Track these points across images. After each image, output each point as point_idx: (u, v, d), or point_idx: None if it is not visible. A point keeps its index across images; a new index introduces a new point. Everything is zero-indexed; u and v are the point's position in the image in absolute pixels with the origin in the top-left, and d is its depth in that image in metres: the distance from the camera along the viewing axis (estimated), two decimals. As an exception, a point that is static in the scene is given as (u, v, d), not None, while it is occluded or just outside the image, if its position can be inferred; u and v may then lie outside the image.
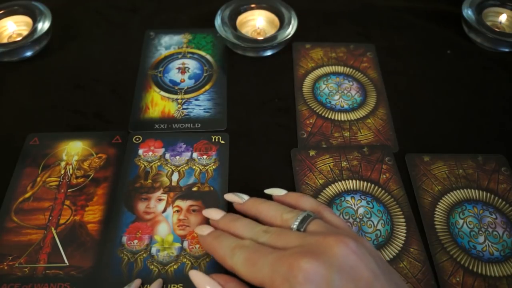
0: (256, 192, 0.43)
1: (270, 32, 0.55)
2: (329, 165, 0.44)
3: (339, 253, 0.26)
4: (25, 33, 0.53)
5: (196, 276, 0.32)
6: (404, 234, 0.40)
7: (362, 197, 0.42)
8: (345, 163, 0.44)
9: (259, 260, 0.28)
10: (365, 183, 0.43)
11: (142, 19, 0.59)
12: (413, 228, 0.40)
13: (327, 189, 0.42)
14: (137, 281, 0.36)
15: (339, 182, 0.43)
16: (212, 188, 0.42)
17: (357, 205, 0.41)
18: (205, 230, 0.35)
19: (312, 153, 0.45)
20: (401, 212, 0.41)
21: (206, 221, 0.40)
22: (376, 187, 0.43)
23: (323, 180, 0.43)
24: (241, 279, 0.31)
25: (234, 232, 0.33)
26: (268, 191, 0.37)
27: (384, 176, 0.43)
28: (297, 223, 0.31)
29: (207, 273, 0.37)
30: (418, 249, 0.39)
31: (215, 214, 0.36)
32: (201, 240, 0.35)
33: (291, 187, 0.43)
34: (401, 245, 0.39)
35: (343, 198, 0.42)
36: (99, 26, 0.58)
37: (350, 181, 0.43)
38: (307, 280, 0.24)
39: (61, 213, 0.41)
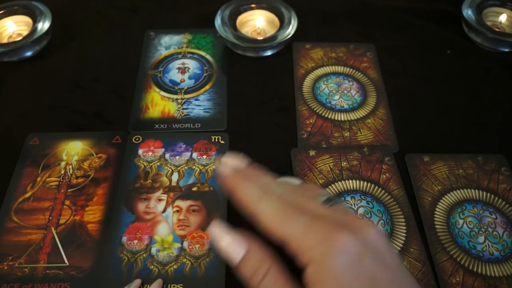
0: (256, 192, 0.43)
1: (270, 32, 0.55)
2: (329, 165, 0.44)
3: (373, 235, 0.26)
4: (25, 33, 0.53)
5: (217, 231, 0.28)
6: (404, 234, 0.40)
7: (362, 197, 0.42)
8: (345, 163, 0.44)
9: (292, 215, 0.26)
10: (365, 183, 0.43)
11: (142, 19, 0.59)
12: (413, 228, 0.40)
13: (327, 189, 0.42)
14: (137, 281, 0.36)
15: (339, 182, 0.43)
16: (212, 188, 0.42)
17: (357, 205, 0.41)
18: (229, 169, 0.31)
19: (312, 153, 0.45)
20: (401, 212, 0.41)
21: (206, 221, 0.40)
22: (376, 187, 0.43)
23: (323, 180, 0.43)
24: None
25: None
26: (282, 179, 0.35)
27: (384, 176, 0.43)
28: (324, 198, 0.29)
29: (207, 273, 0.37)
30: (418, 249, 0.39)
31: (239, 162, 0.31)
32: (225, 178, 0.31)
33: (291, 187, 0.43)
34: (401, 245, 0.39)
35: (343, 198, 0.42)
36: (99, 26, 0.58)
37: (350, 181, 0.43)
38: (343, 251, 0.24)
39: (61, 213, 0.41)
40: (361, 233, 0.25)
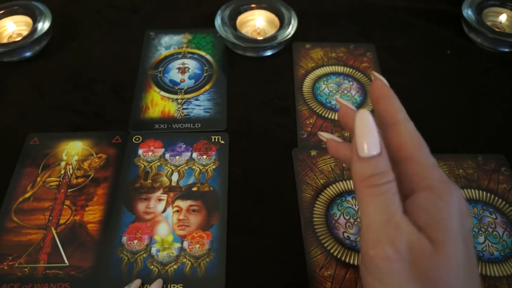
0: (256, 192, 0.43)
1: (270, 32, 0.55)
2: (330, 165, 0.44)
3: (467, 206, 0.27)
4: (25, 33, 0.53)
5: (368, 117, 0.26)
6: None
7: (362, 197, 0.42)
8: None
9: (424, 144, 0.28)
10: (365, 183, 0.43)
11: (142, 19, 0.59)
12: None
13: (328, 189, 0.42)
14: (137, 281, 0.36)
15: (340, 182, 0.43)
16: (212, 188, 0.42)
17: (358, 205, 0.41)
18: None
19: (313, 153, 0.45)
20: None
21: (206, 221, 0.40)
22: (376, 187, 0.42)
23: (324, 180, 0.43)
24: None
25: None
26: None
27: (384, 176, 0.43)
28: None
29: (207, 273, 0.37)
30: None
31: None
32: (382, 85, 0.32)
33: (291, 187, 0.43)
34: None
35: (344, 198, 0.42)
36: (99, 26, 0.58)
37: (351, 181, 0.43)
38: (460, 199, 0.25)
39: (61, 213, 0.41)
40: (467, 204, 0.26)
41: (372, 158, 0.25)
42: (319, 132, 0.34)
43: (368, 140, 0.25)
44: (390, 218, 0.24)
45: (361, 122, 0.26)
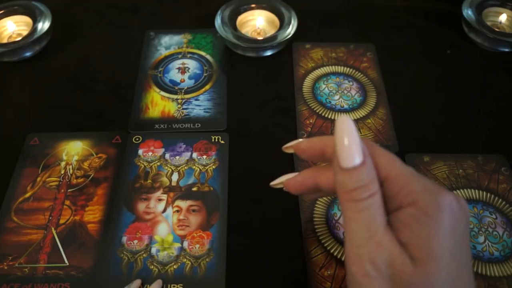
0: (256, 192, 0.43)
1: (270, 32, 0.55)
2: (329, 165, 0.44)
3: (466, 207, 0.26)
4: (25, 33, 0.53)
5: (348, 124, 0.25)
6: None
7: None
8: (345, 163, 0.44)
9: (399, 160, 0.26)
10: (365, 183, 0.43)
11: (142, 19, 0.59)
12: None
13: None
14: (137, 282, 0.36)
15: (339, 182, 0.43)
16: (212, 188, 0.42)
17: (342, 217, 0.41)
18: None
19: (312, 153, 0.45)
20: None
21: (206, 221, 0.40)
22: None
23: (323, 180, 0.43)
24: None
25: None
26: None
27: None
28: None
29: (207, 273, 0.37)
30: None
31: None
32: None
33: (291, 187, 0.43)
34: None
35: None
36: (99, 26, 0.58)
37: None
38: (450, 206, 0.24)
39: (61, 213, 0.41)
40: (462, 202, 0.25)
41: (355, 168, 0.24)
42: (271, 184, 0.33)
43: (350, 148, 0.24)
44: (372, 235, 0.24)
45: (341, 129, 0.25)
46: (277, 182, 0.32)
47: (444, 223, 0.23)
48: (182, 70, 0.53)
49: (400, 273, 0.23)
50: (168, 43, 0.55)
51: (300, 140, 0.30)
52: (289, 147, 0.31)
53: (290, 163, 0.44)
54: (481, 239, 0.39)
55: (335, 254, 0.38)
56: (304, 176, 0.30)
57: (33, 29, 0.52)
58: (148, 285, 0.36)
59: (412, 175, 0.25)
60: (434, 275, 0.23)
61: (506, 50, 0.55)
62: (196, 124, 0.47)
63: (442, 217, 0.23)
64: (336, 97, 0.50)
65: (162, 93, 0.50)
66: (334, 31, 0.58)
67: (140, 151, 0.45)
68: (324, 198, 0.42)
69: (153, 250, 0.39)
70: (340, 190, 0.25)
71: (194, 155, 0.45)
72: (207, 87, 0.51)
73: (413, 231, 0.24)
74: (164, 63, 0.53)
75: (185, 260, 0.38)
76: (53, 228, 0.40)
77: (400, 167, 0.26)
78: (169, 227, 0.40)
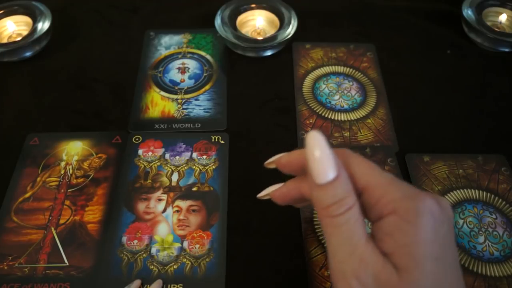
0: (256, 192, 0.43)
1: (270, 32, 0.55)
2: (329, 165, 0.44)
3: (448, 208, 0.26)
4: (25, 33, 0.53)
5: (319, 140, 0.24)
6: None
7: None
8: (345, 163, 0.44)
9: (377, 169, 0.26)
10: (365, 183, 0.43)
11: (142, 19, 0.59)
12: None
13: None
14: (137, 282, 0.36)
15: (339, 182, 0.43)
16: (212, 188, 0.42)
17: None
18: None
19: (312, 153, 0.45)
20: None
21: (206, 221, 0.40)
22: (376, 187, 0.42)
23: (323, 180, 0.43)
24: None
25: None
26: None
27: (384, 176, 0.43)
28: None
29: (207, 273, 0.37)
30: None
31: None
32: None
33: (291, 187, 0.43)
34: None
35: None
36: (99, 26, 0.58)
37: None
38: (431, 211, 0.24)
39: (61, 213, 0.41)
40: (441, 203, 0.25)
41: (329, 183, 0.24)
42: (258, 196, 0.33)
43: (322, 163, 0.24)
44: (353, 250, 0.24)
45: (311, 144, 0.24)
46: (263, 194, 0.32)
47: (426, 229, 0.23)
48: (182, 70, 0.53)
49: (386, 285, 0.23)
50: (168, 43, 0.55)
51: (281, 155, 0.30)
52: (271, 162, 0.31)
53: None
54: (481, 239, 0.39)
55: (335, 254, 0.38)
56: (288, 187, 0.30)
57: (33, 29, 0.52)
58: (148, 285, 0.36)
59: (391, 183, 0.25)
60: (420, 283, 0.23)
61: (506, 50, 0.55)
62: (196, 124, 0.47)
63: (423, 223, 0.23)
64: (336, 97, 0.50)
65: (162, 93, 0.50)
66: (334, 31, 0.58)
67: (140, 151, 0.45)
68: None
69: (153, 250, 0.39)
70: (317, 206, 0.25)
71: (194, 155, 0.45)
72: (207, 87, 0.51)
73: (396, 240, 0.23)
74: (164, 63, 0.53)
75: (185, 260, 0.38)
76: (53, 228, 0.40)
77: (377, 175, 0.26)
78: (169, 227, 0.40)
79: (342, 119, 0.48)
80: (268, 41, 0.52)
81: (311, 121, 0.48)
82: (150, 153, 0.45)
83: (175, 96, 0.50)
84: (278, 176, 0.44)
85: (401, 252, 0.23)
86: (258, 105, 0.50)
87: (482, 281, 0.37)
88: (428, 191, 0.42)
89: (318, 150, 0.24)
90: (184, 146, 0.45)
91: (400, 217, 0.24)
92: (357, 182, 0.25)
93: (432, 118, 0.49)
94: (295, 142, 0.46)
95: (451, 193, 0.42)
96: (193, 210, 0.41)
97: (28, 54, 0.53)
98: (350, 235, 0.24)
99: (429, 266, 0.23)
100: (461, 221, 0.40)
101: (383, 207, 0.24)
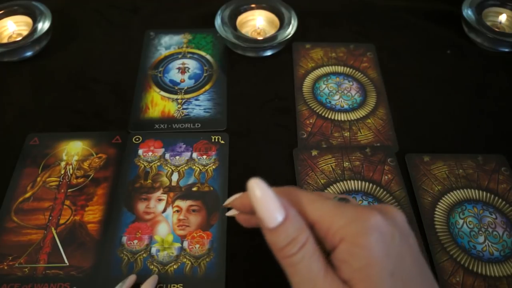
0: (256, 192, 0.43)
1: (270, 32, 0.55)
2: (331, 165, 0.44)
3: (399, 218, 0.26)
4: (25, 33, 0.53)
5: (260, 188, 0.25)
6: (404, 234, 0.40)
7: (364, 197, 0.42)
8: (347, 163, 0.44)
9: (320, 199, 0.26)
10: (367, 183, 0.43)
11: (142, 19, 0.59)
12: (414, 230, 0.40)
13: (328, 189, 0.42)
14: (132, 277, 0.36)
15: (341, 182, 0.43)
16: (212, 188, 0.42)
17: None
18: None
19: (314, 153, 0.45)
20: (401, 212, 0.41)
21: (206, 221, 0.40)
22: (378, 188, 0.43)
23: (324, 180, 0.43)
24: None
25: None
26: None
27: (386, 177, 0.43)
28: (338, 197, 0.30)
29: (207, 273, 0.37)
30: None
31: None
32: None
33: (291, 187, 0.43)
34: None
35: (343, 198, 0.42)
36: (99, 26, 0.58)
37: (352, 181, 0.43)
38: (375, 229, 0.24)
39: (61, 213, 0.41)
40: (389, 215, 0.26)
41: (280, 226, 0.25)
42: (226, 214, 0.33)
43: (268, 208, 0.25)
44: (314, 285, 0.24)
45: (253, 192, 0.25)
46: (230, 214, 0.33)
47: (376, 247, 0.24)
48: (182, 70, 0.53)
49: None
50: (168, 43, 0.55)
51: (236, 196, 0.31)
52: (227, 204, 0.32)
53: (290, 163, 0.44)
54: (481, 239, 0.39)
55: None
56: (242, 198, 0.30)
57: (33, 29, 0.52)
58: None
59: (334, 212, 0.25)
60: None
61: (506, 50, 0.55)
62: (196, 124, 0.47)
63: (372, 242, 0.24)
64: (336, 97, 0.50)
65: (162, 93, 0.50)
66: (334, 31, 0.58)
67: (140, 151, 0.45)
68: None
69: (153, 250, 0.39)
70: (273, 249, 0.25)
71: (194, 155, 0.45)
72: (207, 87, 0.51)
73: (351, 265, 0.24)
74: (164, 63, 0.53)
75: (185, 260, 0.38)
76: (53, 228, 0.40)
77: (320, 207, 0.26)
78: (169, 227, 0.40)
79: (342, 119, 0.48)
80: (268, 41, 0.52)
81: (311, 121, 0.48)
82: (150, 153, 0.45)
83: (175, 96, 0.50)
84: (278, 176, 0.44)
85: (357, 277, 0.24)
86: (258, 105, 0.50)
87: (482, 281, 0.37)
88: (427, 191, 0.42)
89: (261, 196, 0.25)
90: (184, 146, 0.45)
91: (349, 243, 0.24)
92: (307, 217, 0.26)
93: (432, 118, 0.49)
94: (295, 142, 0.46)
95: (451, 193, 0.42)
96: (193, 210, 0.41)
97: (28, 54, 0.53)
98: (308, 271, 0.24)
99: (386, 283, 0.23)
100: (461, 221, 0.40)
101: (333, 237, 0.25)
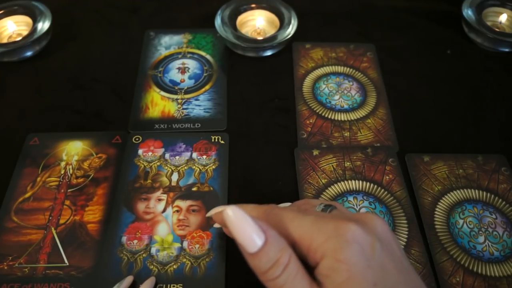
0: (256, 192, 0.43)
1: (270, 32, 0.55)
2: (332, 165, 0.44)
3: (379, 226, 0.26)
4: (25, 33, 0.53)
5: (236, 215, 0.25)
6: (406, 236, 0.40)
7: (365, 197, 0.42)
8: (348, 163, 0.44)
9: (298, 216, 0.27)
10: (368, 183, 0.43)
11: (142, 19, 0.59)
12: (414, 230, 0.40)
13: (329, 188, 0.42)
14: (129, 278, 0.36)
15: (342, 182, 0.43)
16: (211, 188, 0.42)
17: (359, 205, 0.41)
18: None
19: (315, 152, 0.45)
20: (403, 214, 0.41)
21: (206, 221, 0.40)
22: (379, 188, 0.43)
23: (325, 180, 0.43)
24: None
25: None
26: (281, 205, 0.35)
27: (387, 177, 0.43)
28: (321, 206, 0.30)
29: (207, 273, 0.37)
30: (419, 251, 0.39)
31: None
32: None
33: (291, 187, 0.43)
34: (402, 247, 0.39)
35: (345, 198, 0.42)
36: (99, 26, 0.58)
37: (353, 181, 0.43)
38: (354, 241, 0.24)
39: (61, 213, 0.41)
40: (369, 224, 0.26)
41: (260, 250, 0.25)
42: (214, 226, 0.34)
43: (246, 234, 0.25)
44: None
45: (230, 220, 0.25)
46: (210, 214, 0.33)
47: (355, 260, 0.24)
48: (182, 70, 0.53)
49: None
50: (168, 43, 0.55)
51: (216, 210, 0.31)
52: (209, 215, 0.32)
53: (290, 163, 0.44)
54: (481, 239, 0.39)
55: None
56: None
57: (33, 29, 0.52)
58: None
59: (312, 228, 0.26)
60: None
61: (506, 50, 0.55)
62: (196, 124, 0.47)
63: (351, 255, 0.24)
64: (336, 97, 0.50)
65: (162, 93, 0.50)
66: (334, 31, 0.58)
67: (140, 151, 0.45)
68: (325, 198, 0.42)
69: (153, 250, 0.38)
70: (257, 273, 0.26)
71: (194, 155, 0.45)
72: (207, 87, 0.51)
73: (333, 280, 0.24)
74: (164, 63, 0.53)
75: (185, 260, 0.38)
76: (53, 228, 0.40)
77: (300, 225, 0.26)
78: (169, 227, 0.40)
79: (342, 119, 0.48)
80: (268, 41, 0.52)
81: (311, 121, 0.48)
82: (150, 153, 0.45)
83: (175, 96, 0.50)
84: (278, 176, 0.44)
85: None
86: (258, 105, 0.50)
87: (482, 281, 0.37)
88: (427, 191, 0.42)
89: (238, 223, 0.25)
90: (184, 146, 0.45)
91: (330, 258, 0.24)
92: (289, 235, 0.26)
93: (432, 118, 0.49)
94: (295, 142, 0.46)
95: (451, 193, 0.42)
96: (193, 210, 0.41)
97: (28, 54, 0.53)
98: None
99: None
100: (461, 221, 0.40)
101: (314, 254, 0.25)
